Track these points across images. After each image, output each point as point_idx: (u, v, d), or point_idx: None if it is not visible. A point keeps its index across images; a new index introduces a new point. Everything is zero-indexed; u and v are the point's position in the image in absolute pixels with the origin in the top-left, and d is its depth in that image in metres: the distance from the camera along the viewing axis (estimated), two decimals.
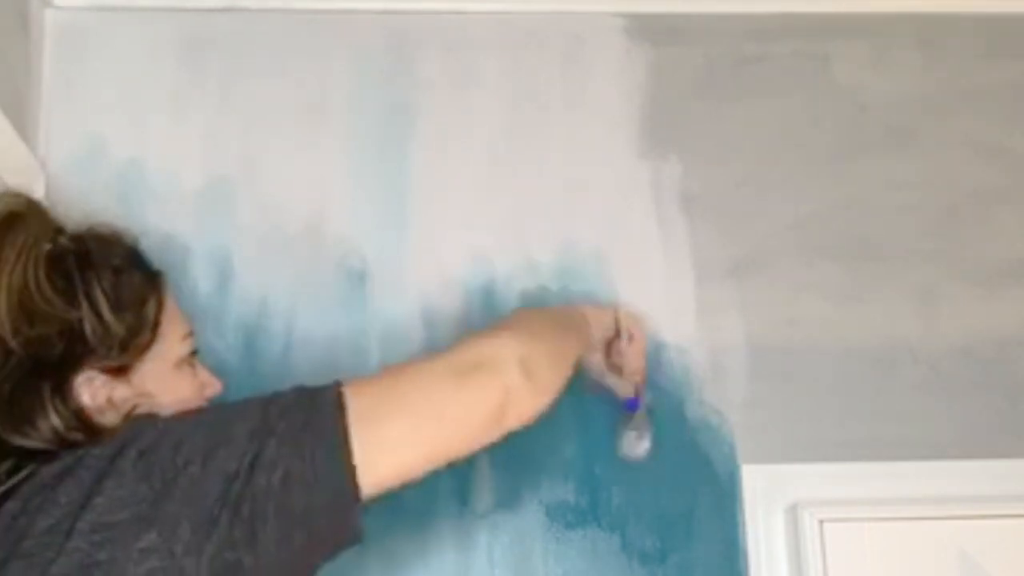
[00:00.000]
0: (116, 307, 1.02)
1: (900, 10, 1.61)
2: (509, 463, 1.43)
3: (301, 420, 0.94)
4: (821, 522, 1.39)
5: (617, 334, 1.37)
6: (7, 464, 0.95)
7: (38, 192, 1.43)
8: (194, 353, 1.13)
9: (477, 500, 1.42)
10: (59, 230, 1.06)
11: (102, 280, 1.02)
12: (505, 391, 1.01)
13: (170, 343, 1.08)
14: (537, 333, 1.09)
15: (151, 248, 1.42)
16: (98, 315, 1.00)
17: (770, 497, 1.43)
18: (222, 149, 1.51)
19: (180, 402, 1.05)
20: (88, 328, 0.99)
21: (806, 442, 1.46)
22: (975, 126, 1.58)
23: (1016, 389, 1.50)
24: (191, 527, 0.88)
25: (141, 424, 0.96)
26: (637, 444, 1.39)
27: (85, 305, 1.00)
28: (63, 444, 0.95)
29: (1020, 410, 1.49)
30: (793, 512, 1.41)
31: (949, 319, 1.52)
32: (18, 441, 0.95)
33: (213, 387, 1.14)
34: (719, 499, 1.44)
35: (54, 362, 0.98)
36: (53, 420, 0.96)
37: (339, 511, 0.94)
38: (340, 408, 0.95)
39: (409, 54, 1.56)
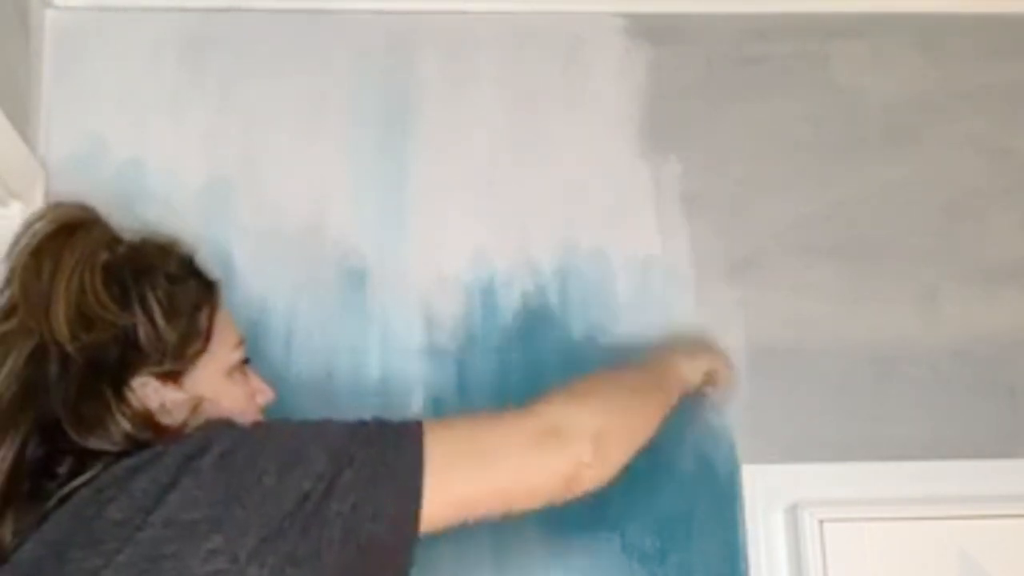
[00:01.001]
0: (169, 314, 1.05)
1: (900, 10, 1.61)
2: None
3: (381, 454, 0.97)
4: (821, 522, 1.39)
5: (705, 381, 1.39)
6: (67, 463, 0.97)
7: (38, 192, 1.43)
8: (246, 361, 1.15)
9: None
10: (117, 239, 1.09)
11: (156, 288, 1.05)
12: (576, 465, 1.05)
13: (222, 351, 1.10)
14: (617, 407, 1.13)
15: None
16: (152, 322, 1.03)
17: (770, 497, 1.44)
18: (222, 149, 1.51)
19: (233, 408, 1.07)
20: (142, 334, 1.02)
21: (806, 442, 1.47)
22: (975, 126, 1.59)
23: (1016, 389, 1.50)
24: (258, 536, 0.90)
25: (221, 427, 0.99)
26: None
27: (139, 312, 1.03)
28: (134, 445, 0.98)
29: (1020, 410, 1.50)
30: (793, 512, 1.42)
31: (949, 319, 1.53)
32: (93, 444, 0.97)
33: (265, 395, 1.16)
34: (719, 499, 1.44)
35: (111, 367, 1.01)
36: (123, 424, 0.98)
37: (398, 550, 0.97)
38: (420, 451, 0.98)
39: (409, 54, 1.57)
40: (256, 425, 1.04)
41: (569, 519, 1.42)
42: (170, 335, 1.04)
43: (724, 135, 1.57)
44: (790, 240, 1.54)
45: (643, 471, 1.40)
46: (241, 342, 1.14)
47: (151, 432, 0.99)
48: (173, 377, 1.05)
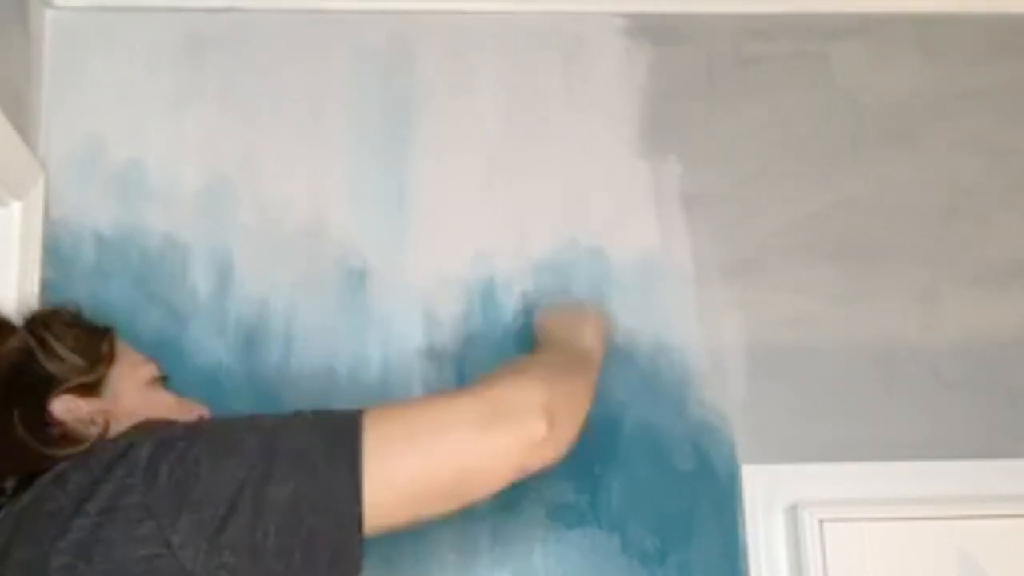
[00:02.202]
0: (70, 343, 1.12)
1: (900, 10, 1.61)
2: None
3: (318, 443, 0.94)
4: (821, 522, 1.39)
5: None
6: (13, 479, 1.02)
7: (38, 192, 1.44)
8: (164, 379, 1.19)
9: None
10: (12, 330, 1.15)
11: (52, 330, 1.12)
12: (530, 444, 0.99)
13: (132, 364, 1.16)
14: (558, 378, 1.08)
15: (151, 248, 1.47)
16: (54, 352, 1.10)
17: (770, 497, 1.44)
18: (222, 149, 1.51)
19: (162, 415, 1.08)
20: (49, 365, 1.09)
21: (806, 442, 1.47)
22: (974, 126, 1.59)
23: (1016, 389, 1.51)
24: (191, 523, 0.90)
25: (156, 424, 1.00)
26: None
27: (39, 349, 1.10)
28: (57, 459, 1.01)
29: (1020, 410, 1.50)
30: (793, 512, 1.42)
31: (949, 319, 1.53)
32: (27, 470, 1.01)
33: (200, 412, 1.19)
34: (719, 499, 1.44)
35: (22, 397, 1.07)
36: (45, 449, 1.03)
37: (341, 540, 0.94)
38: (358, 438, 0.95)
39: (409, 54, 1.57)
40: (197, 420, 1.07)
41: (569, 518, 1.42)
42: (75, 357, 1.11)
43: (724, 135, 1.57)
44: (790, 240, 1.54)
45: (643, 470, 1.45)
46: (150, 359, 1.18)
47: (68, 445, 1.03)
48: (90, 391, 1.10)
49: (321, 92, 1.54)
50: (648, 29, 1.59)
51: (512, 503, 1.41)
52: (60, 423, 1.05)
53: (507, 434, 0.98)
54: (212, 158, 1.51)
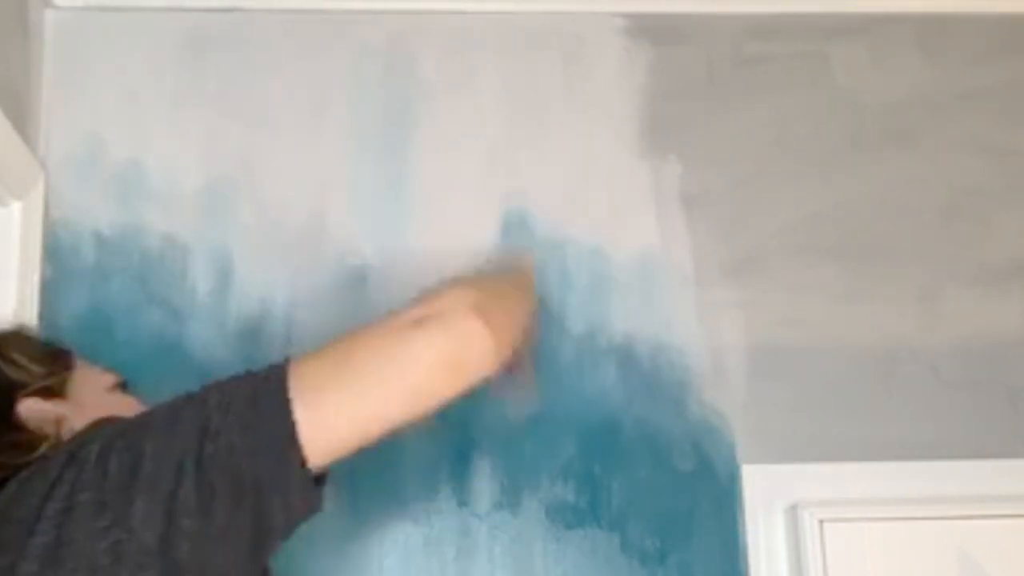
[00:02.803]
0: (28, 352, 1.15)
1: (900, 10, 1.62)
2: (509, 463, 1.44)
3: (247, 395, 0.94)
4: (821, 522, 1.40)
5: None
6: None
7: (38, 192, 1.45)
8: (124, 385, 1.20)
9: (477, 500, 1.43)
10: None
11: (14, 345, 1.16)
12: (460, 337, 0.95)
13: (94, 372, 1.19)
14: (488, 287, 1.04)
15: (151, 248, 1.48)
16: (14, 361, 1.13)
17: (770, 497, 1.44)
18: (222, 149, 1.52)
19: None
20: (10, 372, 1.12)
21: (806, 442, 1.47)
22: (974, 126, 1.60)
23: (1016, 389, 1.51)
24: (144, 503, 0.90)
25: (102, 422, 1.01)
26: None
27: (2, 363, 1.13)
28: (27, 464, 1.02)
29: (1020, 410, 1.50)
30: (793, 512, 1.42)
31: (949, 319, 1.53)
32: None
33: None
34: (719, 499, 1.45)
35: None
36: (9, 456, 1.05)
37: (287, 481, 0.93)
38: (283, 380, 0.94)
39: (409, 54, 1.57)
40: (141, 413, 1.03)
41: (569, 518, 1.43)
42: (35, 364, 1.14)
43: (724, 135, 1.58)
44: (790, 240, 1.54)
45: (643, 470, 1.45)
46: (108, 369, 1.21)
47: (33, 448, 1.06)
48: (54, 394, 1.12)
49: (321, 92, 1.55)
50: (648, 29, 1.60)
51: (512, 503, 1.43)
52: (27, 429, 1.07)
53: (432, 336, 0.94)
54: (212, 158, 1.51)
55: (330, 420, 0.95)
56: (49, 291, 1.43)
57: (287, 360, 0.96)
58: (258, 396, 0.94)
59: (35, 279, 1.42)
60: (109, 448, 0.94)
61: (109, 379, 1.20)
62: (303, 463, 0.93)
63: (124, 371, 1.41)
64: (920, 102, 1.60)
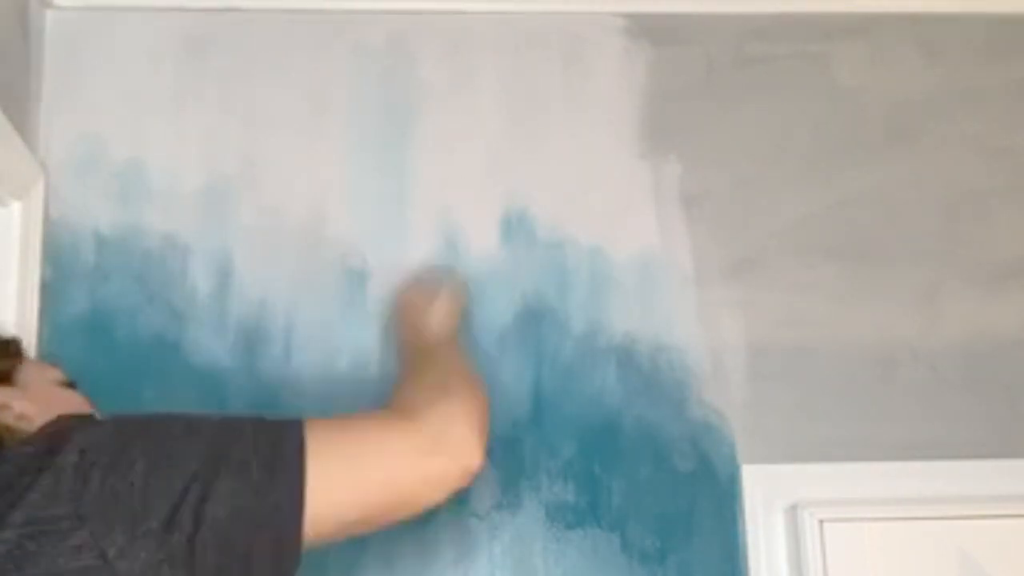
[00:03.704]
0: None
1: (900, 10, 1.63)
2: (509, 464, 1.45)
3: (259, 457, 0.95)
4: (821, 522, 1.40)
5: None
6: None
7: (38, 193, 1.45)
8: (72, 385, 1.17)
9: (477, 500, 1.43)
10: None
11: None
12: (468, 472, 1.05)
13: (41, 364, 1.19)
14: (472, 403, 1.11)
15: (151, 248, 1.48)
16: None
17: (770, 497, 1.45)
18: (222, 149, 1.52)
19: (71, 411, 1.08)
20: None
21: (806, 442, 1.48)
22: (975, 126, 1.60)
23: (1016, 389, 1.52)
24: (126, 533, 0.89)
25: (80, 421, 0.99)
26: None
27: None
28: None
29: (1019, 410, 1.51)
30: (793, 512, 1.43)
31: (949, 319, 1.54)
32: None
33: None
34: (719, 499, 1.45)
35: None
36: None
37: (279, 557, 0.96)
38: (301, 455, 0.97)
39: (409, 54, 1.58)
40: (121, 418, 1.01)
41: (569, 518, 1.43)
42: None
43: (724, 135, 1.58)
44: (790, 240, 1.55)
45: (643, 470, 1.46)
46: (55, 364, 1.19)
47: None
48: (3, 378, 1.10)
49: (321, 92, 1.55)
50: (648, 29, 1.60)
51: (512, 503, 1.43)
52: None
53: (449, 465, 1.04)
54: (212, 158, 1.52)
55: (332, 511, 0.99)
56: (49, 291, 1.43)
57: (302, 429, 0.99)
58: (273, 466, 0.96)
59: (35, 279, 1.43)
60: (91, 461, 0.92)
61: (56, 374, 1.17)
62: (299, 545, 0.96)
63: (124, 371, 1.44)
64: (921, 102, 1.60)
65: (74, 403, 1.12)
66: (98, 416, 1.11)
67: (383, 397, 1.41)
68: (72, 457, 0.92)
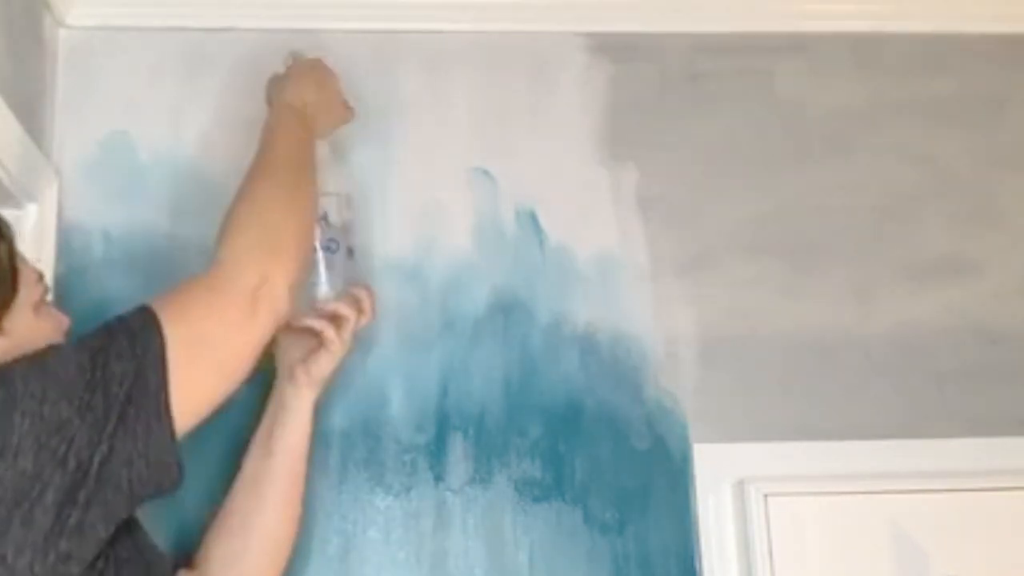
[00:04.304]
0: None
1: (837, 30, 1.66)
2: (481, 442, 1.48)
3: (126, 387, 0.95)
4: (766, 496, 1.44)
5: None
6: None
7: (51, 195, 1.46)
8: (47, 292, 1.14)
9: (452, 476, 1.47)
10: None
11: None
12: (279, 318, 1.12)
13: (27, 289, 1.08)
14: (286, 241, 1.16)
15: (156, 246, 1.49)
16: None
17: (719, 473, 1.48)
18: (219, 156, 1.53)
19: (45, 343, 1.05)
20: None
21: (752, 423, 1.51)
22: (905, 135, 1.63)
23: (942, 374, 1.55)
24: (22, 525, 0.88)
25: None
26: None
27: None
28: None
29: (946, 394, 1.54)
30: (740, 487, 1.46)
31: (880, 311, 1.57)
32: None
33: (64, 322, 1.14)
34: (673, 475, 1.48)
35: None
36: None
37: (161, 470, 0.98)
38: (163, 368, 0.98)
39: (391, 69, 1.60)
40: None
41: (536, 492, 1.47)
42: None
43: (677, 144, 1.61)
44: (737, 239, 1.58)
45: (604, 449, 1.47)
46: (41, 277, 1.13)
47: None
48: None
49: None
50: (607, 47, 1.63)
51: (484, 479, 1.47)
52: None
53: (264, 321, 1.10)
54: (210, 163, 1.53)
55: (198, 403, 1.04)
56: (61, 287, 1.43)
57: (158, 328, 1.00)
58: (139, 389, 0.96)
59: (49, 275, 1.37)
60: None
61: (38, 292, 1.11)
62: (177, 454, 1.00)
63: None
64: (855, 114, 1.63)
65: (50, 333, 1.08)
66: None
67: (366, 384, 1.46)
68: None
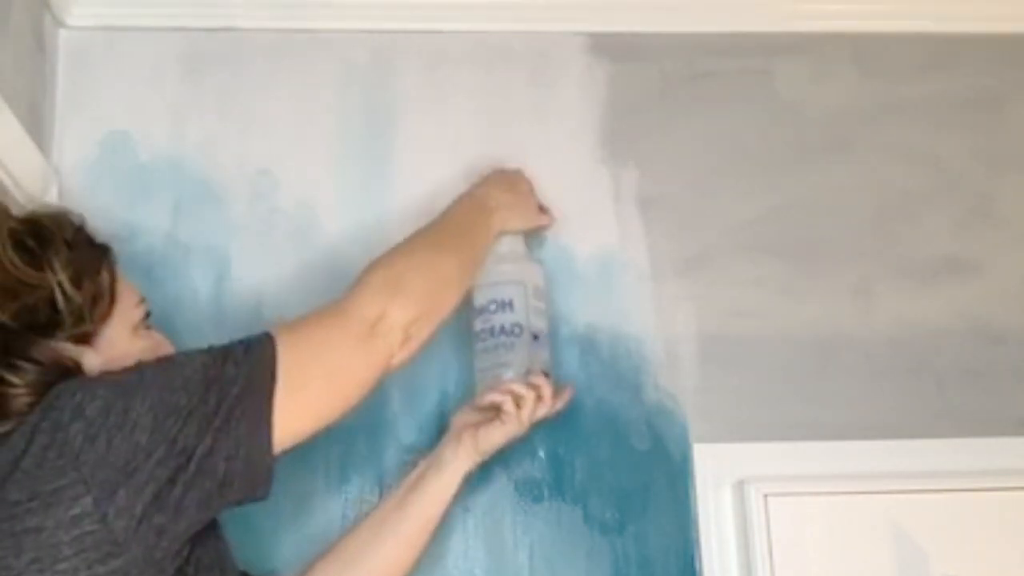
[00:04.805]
0: (75, 278, 1.06)
1: (837, 29, 1.65)
2: None
3: (236, 391, 1.00)
4: (766, 496, 1.44)
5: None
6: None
7: (51, 195, 1.46)
8: (148, 316, 1.17)
9: None
10: (9, 213, 1.11)
11: (59, 253, 1.06)
12: (388, 357, 1.16)
13: (127, 309, 1.12)
14: (425, 289, 1.21)
15: (155, 247, 1.49)
16: (62, 285, 1.04)
17: (719, 473, 1.48)
18: (219, 156, 1.54)
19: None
20: (58, 297, 1.04)
21: (752, 423, 1.51)
22: (905, 135, 1.63)
23: (942, 375, 1.54)
24: (127, 493, 0.91)
25: (70, 385, 0.98)
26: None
27: (50, 275, 1.04)
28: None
29: (946, 394, 1.54)
30: (740, 487, 1.46)
31: (881, 311, 1.56)
32: None
33: (164, 346, 1.17)
34: (673, 475, 1.48)
35: (42, 328, 1.03)
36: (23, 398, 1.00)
37: (255, 474, 1.02)
38: (272, 379, 1.02)
39: (391, 69, 1.60)
40: (117, 376, 1.00)
41: (536, 493, 1.47)
42: (79, 297, 1.05)
43: (677, 144, 1.60)
44: (737, 239, 1.58)
45: (603, 449, 1.47)
46: (142, 300, 1.16)
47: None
48: (85, 338, 1.06)
49: (310, 104, 1.58)
50: (608, 47, 1.63)
51: (484, 479, 1.45)
52: (33, 372, 1.01)
53: (376, 354, 1.15)
54: (210, 164, 1.53)
55: (302, 420, 1.07)
56: None
57: (274, 348, 1.04)
58: (247, 397, 0.99)
59: None
60: (96, 424, 0.92)
61: (138, 313, 1.14)
62: (272, 467, 1.03)
63: None
64: (855, 113, 1.62)
65: (147, 354, 1.10)
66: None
67: None
68: (74, 427, 0.91)
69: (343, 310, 1.15)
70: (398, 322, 1.16)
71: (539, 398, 1.33)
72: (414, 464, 1.39)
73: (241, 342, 1.06)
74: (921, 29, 1.66)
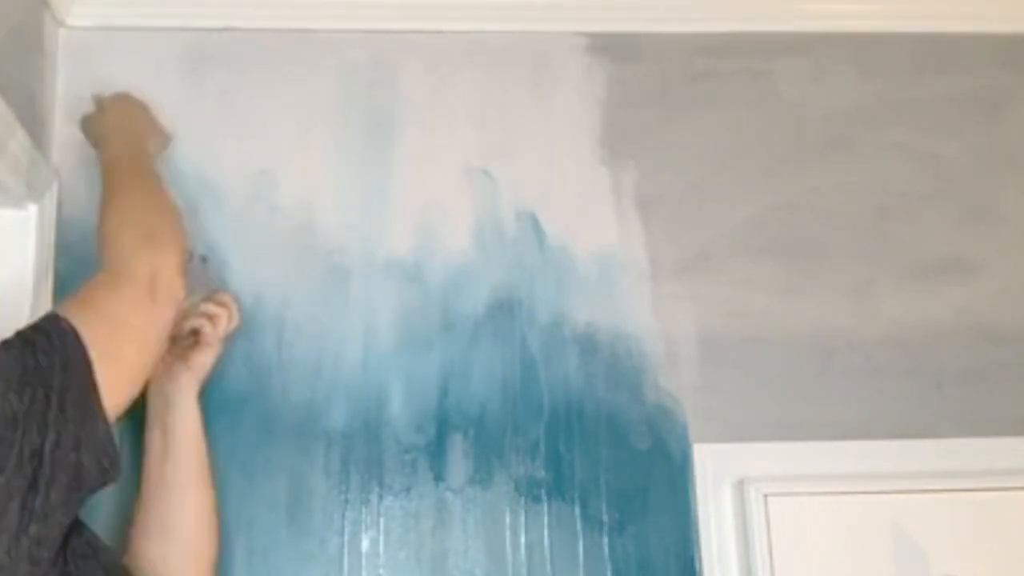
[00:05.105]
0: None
1: (837, 30, 1.66)
2: (481, 442, 1.49)
3: (57, 382, 1.01)
4: (766, 496, 1.44)
5: None
6: None
7: (51, 195, 1.47)
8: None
9: (452, 476, 1.48)
10: None
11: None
12: (179, 302, 1.23)
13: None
14: (167, 234, 1.27)
15: None
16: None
17: (719, 473, 1.48)
18: (219, 155, 1.55)
19: None
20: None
21: (752, 423, 1.52)
22: (905, 135, 1.63)
23: (942, 375, 1.55)
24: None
25: None
26: None
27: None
28: None
29: (946, 394, 1.55)
30: (740, 487, 1.47)
31: (881, 311, 1.57)
32: None
33: None
34: (673, 475, 1.49)
35: None
36: None
37: (101, 461, 1.03)
38: (87, 360, 1.04)
39: (392, 69, 1.61)
40: None
41: (536, 492, 1.47)
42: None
43: (677, 143, 1.61)
44: (737, 239, 1.58)
45: (604, 449, 1.48)
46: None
47: None
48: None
49: (310, 104, 1.59)
50: (608, 47, 1.64)
51: (484, 479, 1.47)
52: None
53: (168, 304, 1.20)
54: (209, 163, 1.54)
55: (125, 387, 1.10)
56: (62, 284, 1.44)
57: (75, 332, 1.05)
58: (72, 387, 1.01)
59: (49, 271, 1.44)
60: None
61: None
62: (113, 443, 1.05)
63: None
64: (856, 113, 1.63)
65: None
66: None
67: (366, 384, 1.47)
68: None
69: (120, 275, 1.19)
70: (172, 271, 1.21)
71: (229, 316, 1.40)
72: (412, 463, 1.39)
73: (34, 329, 1.06)
74: (921, 29, 1.67)
